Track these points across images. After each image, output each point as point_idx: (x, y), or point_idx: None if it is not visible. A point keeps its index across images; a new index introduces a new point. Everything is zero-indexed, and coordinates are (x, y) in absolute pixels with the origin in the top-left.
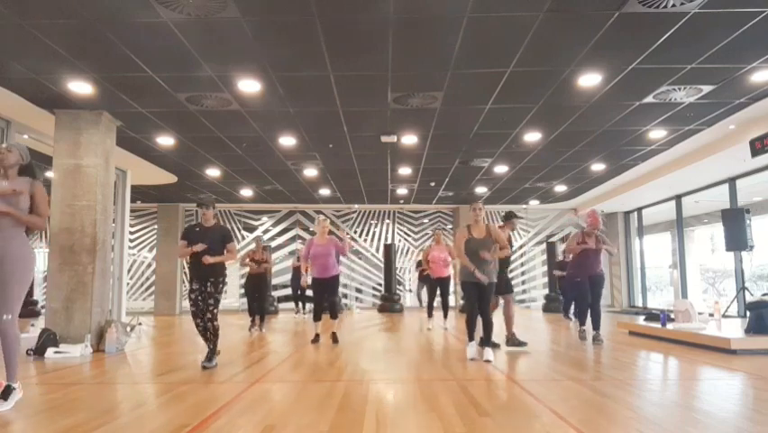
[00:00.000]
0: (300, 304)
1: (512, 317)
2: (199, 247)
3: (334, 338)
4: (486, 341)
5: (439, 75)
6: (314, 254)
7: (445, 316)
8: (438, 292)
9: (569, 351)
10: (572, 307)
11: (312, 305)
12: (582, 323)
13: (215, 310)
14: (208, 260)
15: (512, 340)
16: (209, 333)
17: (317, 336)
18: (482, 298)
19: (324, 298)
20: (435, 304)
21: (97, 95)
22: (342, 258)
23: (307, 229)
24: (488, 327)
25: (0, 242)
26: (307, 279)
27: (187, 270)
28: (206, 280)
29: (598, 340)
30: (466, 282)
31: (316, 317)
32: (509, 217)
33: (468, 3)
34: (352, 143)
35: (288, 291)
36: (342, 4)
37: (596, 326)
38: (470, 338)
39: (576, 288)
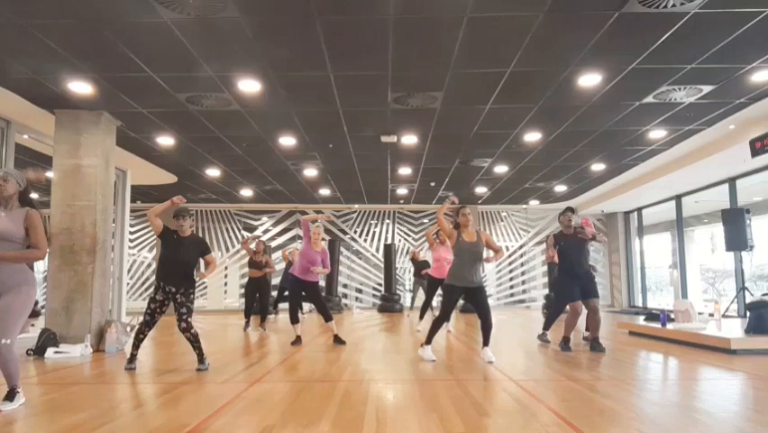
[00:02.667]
0: (277, 304)
1: (567, 323)
2: (178, 200)
3: (338, 340)
4: (485, 342)
5: (439, 75)
6: (304, 253)
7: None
8: (440, 293)
9: (569, 351)
10: None
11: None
12: (547, 327)
13: (189, 319)
14: (204, 276)
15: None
16: (190, 342)
17: (298, 337)
18: (478, 301)
19: (301, 299)
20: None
21: (97, 95)
22: (327, 270)
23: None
24: (488, 328)
25: (2, 276)
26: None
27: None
28: (176, 291)
29: (588, 342)
30: (453, 285)
31: (294, 319)
32: (560, 216)
33: (468, 3)
34: (351, 143)
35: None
36: (342, 4)
37: (593, 329)
38: (428, 342)
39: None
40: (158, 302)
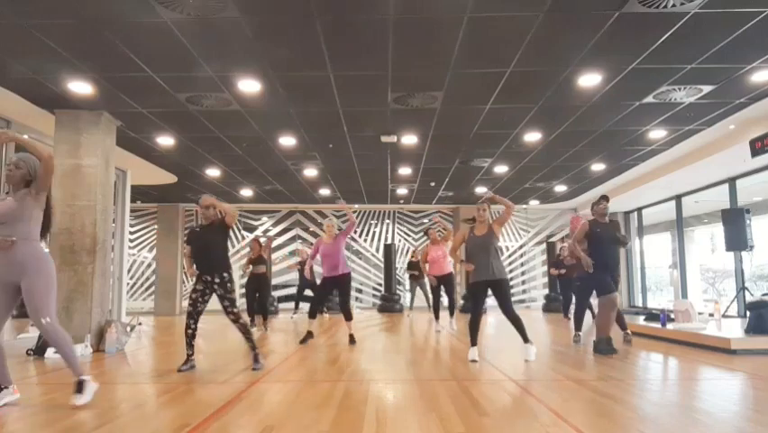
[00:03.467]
0: (298, 305)
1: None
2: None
3: (352, 339)
4: (524, 338)
5: (439, 75)
6: (323, 254)
7: (452, 314)
8: (443, 291)
9: (569, 351)
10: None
11: (308, 306)
12: (578, 328)
13: (235, 310)
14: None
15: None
16: (240, 332)
17: (309, 333)
18: (500, 296)
19: (327, 298)
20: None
21: (97, 95)
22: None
23: (307, 229)
24: (518, 323)
25: (18, 256)
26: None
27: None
28: (212, 278)
29: (627, 339)
30: (476, 282)
31: (312, 315)
32: (593, 205)
33: (468, 3)
34: (351, 143)
35: (288, 291)
36: (342, 4)
37: (623, 325)
38: (473, 343)
39: (576, 290)
40: (198, 291)
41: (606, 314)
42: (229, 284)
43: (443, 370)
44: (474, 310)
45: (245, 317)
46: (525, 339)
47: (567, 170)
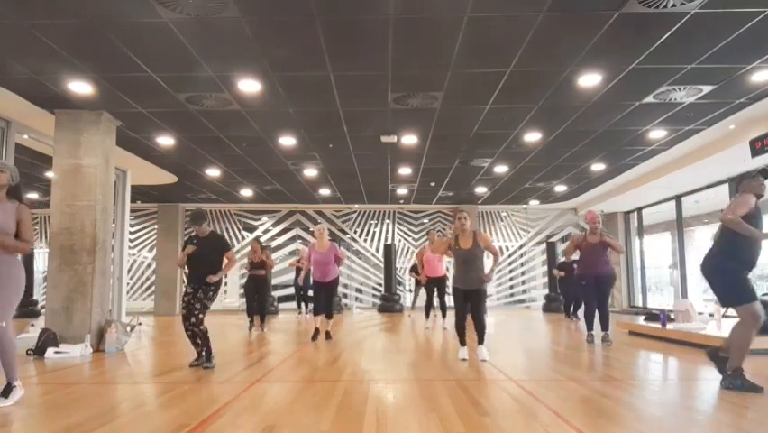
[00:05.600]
0: (303, 305)
1: (738, 343)
2: (189, 250)
3: (327, 336)
4: (480, 340)
5: (439, 75)
6: (314, 261)
7: (444, 315)
8: (435, 293)
9: (569, 351)
10: (573, 306)
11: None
12: (590, 327)
13: (201, 316)
14: (212, 279)
15: (733, 379)
16: (197, 337)
17: (317, 330)
18: (472, 302)
19: (323, 298)
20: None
21: (97, 95)
22: (343, 260)
23: (307, 229)
24: (480, 328)
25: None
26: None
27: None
28: (200, 287)
29: (606, 341)
30: (456, 288)
31: (316, 313)
32: (742, 180)
33: (468, 3)
34: (351, 143)
35: (288, 291)
36: (342, 4)
37: (604, 326)
38: (462, 343)
39: (582, 290)
40: (189, 294)
41: (738, 332)
42: (211, 292)
43: (443, 370)
44: (456, 312)
45: (204, 327)
46: (481, 341)
47: (567, 170)
